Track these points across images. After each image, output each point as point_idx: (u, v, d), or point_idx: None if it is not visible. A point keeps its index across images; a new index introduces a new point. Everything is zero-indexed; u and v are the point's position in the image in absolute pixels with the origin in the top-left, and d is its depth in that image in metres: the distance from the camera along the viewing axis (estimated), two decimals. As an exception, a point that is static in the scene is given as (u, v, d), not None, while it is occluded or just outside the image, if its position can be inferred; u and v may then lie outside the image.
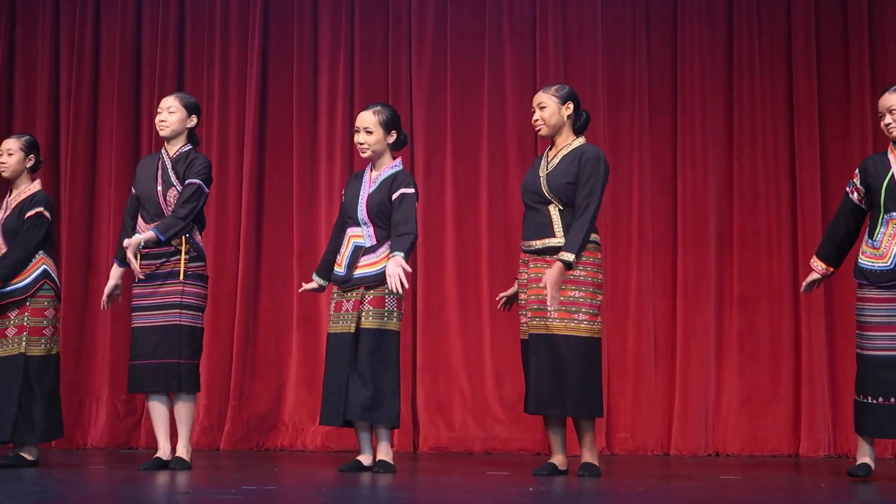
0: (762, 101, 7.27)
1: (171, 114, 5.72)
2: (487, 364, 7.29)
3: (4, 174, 6.01)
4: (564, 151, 5.33)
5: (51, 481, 5.05)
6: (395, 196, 5.50)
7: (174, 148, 5.74)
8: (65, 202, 7.67)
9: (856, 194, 5.26)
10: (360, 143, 5.60)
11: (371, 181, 5.60)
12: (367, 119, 5.58)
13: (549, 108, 5.34)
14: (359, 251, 5.52)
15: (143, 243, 5.54)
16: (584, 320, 5.18)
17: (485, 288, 7.36)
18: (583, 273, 5.18)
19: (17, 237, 5.85)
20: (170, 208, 5.60)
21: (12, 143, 6.01)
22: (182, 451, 5.56)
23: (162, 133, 5.76)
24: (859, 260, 5.21)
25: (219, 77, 7.76)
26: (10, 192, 6.04)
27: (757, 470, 5.90)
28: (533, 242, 5.30)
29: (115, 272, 5.81)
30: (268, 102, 7.75)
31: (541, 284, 5.15)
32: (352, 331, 5.44)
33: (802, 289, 5.52)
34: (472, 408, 7.29)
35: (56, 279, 5.96)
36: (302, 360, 7.47)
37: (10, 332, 5.83)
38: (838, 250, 5.38)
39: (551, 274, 5.10)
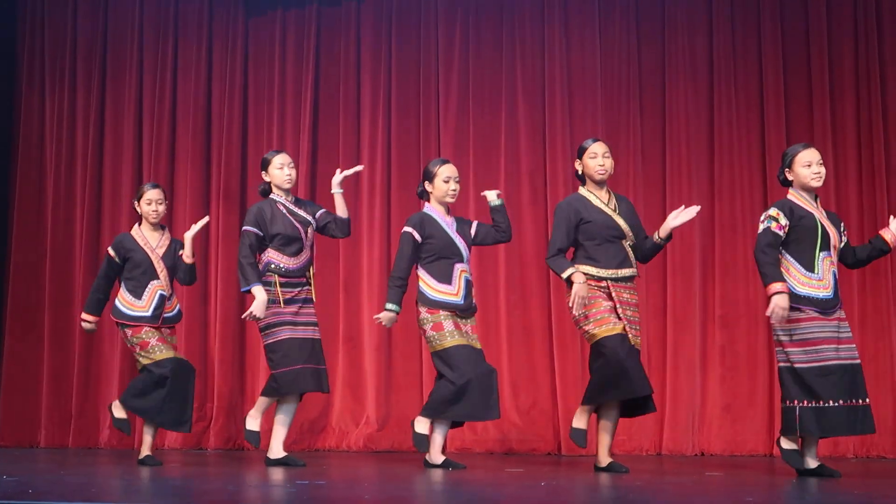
0: (739, 150, 7.27)
1: (292, 169, 5.97)
2: (505, 377, 7.28)
3: (155, 221, 6.10)
4: (612, 195, 5.60)
5: (134, 477, 5.08)
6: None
7: (289, 197, 6.00)
8: (146, 238, 7.74)
9: (781, 231, 5.19)
10: (454, 192, 5.81)
11: (450, 224, 5.83)
12: (455, 171, 5.87)
13: (611, 159, 5.58)
14: (470, 285, 5.76)
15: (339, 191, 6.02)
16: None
17: (502, 311, 7.37)
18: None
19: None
20: (308, 243, 5.99)
21: (160, 194, 6.11)
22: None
23: (288, 186, 5.97)
24: (798, 288, 5.14)
25: (277, 131, 7.83)
26: (139, 227, 6.14)
27: (737, 468, 5.88)
28: (618, 271, 5.47)
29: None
30: (318, 151, 7.80)
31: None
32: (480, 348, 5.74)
33: (778, 316, 5.16)
34: (492, 414, 7.29)
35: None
36: (347, 373, 7.49)
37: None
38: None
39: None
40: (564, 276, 5.38)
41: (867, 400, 5.10)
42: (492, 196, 5.90)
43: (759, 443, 6.97)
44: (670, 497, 4.23)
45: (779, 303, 5.05)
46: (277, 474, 5.19)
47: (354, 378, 7.48)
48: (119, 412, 6.06)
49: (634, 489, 4.52)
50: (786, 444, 5.16)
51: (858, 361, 5.15)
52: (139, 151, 7.95)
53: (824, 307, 5.12)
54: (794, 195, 5.26)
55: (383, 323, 5.74)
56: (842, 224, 5.36)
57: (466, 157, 7.55)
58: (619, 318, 5.34)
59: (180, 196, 7.81)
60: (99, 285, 6.14)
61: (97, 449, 7.49)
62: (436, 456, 5.59)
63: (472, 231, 5.83)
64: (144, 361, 5.92)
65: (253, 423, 5.90)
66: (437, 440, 5.63)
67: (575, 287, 5.31)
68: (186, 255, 6.03)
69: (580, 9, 7.56)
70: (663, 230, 5.46)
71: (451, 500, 4.12)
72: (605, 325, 5.34)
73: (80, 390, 7.70)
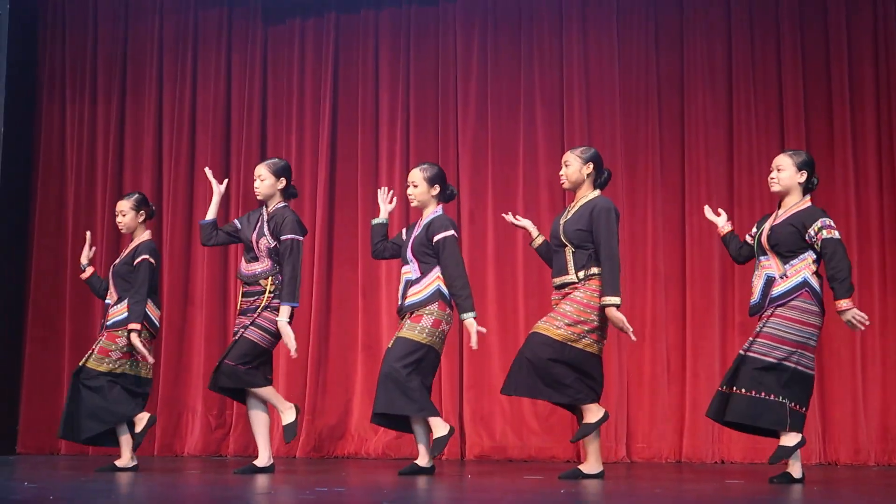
0: (758, 157, 7.24)
1: (262, 181, 5.78)
2: (524, 384, 7.27)
3: (123, 231, 6.08)
4: (581, 202, 5.37)
5: (155, 484, 5.09)
6: (436, 238, 5.58)
7: (271, 205, 5.80)
8: (166, 246, 7.78)
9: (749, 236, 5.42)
10: (409, 195, 5.73)
11: (418, 226, 5.71)
12: (414, 175, 5.73)
13: (572, 166, 5.40)
14: (408, 285, 5.61)
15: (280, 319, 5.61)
16: (560, 328, 5.23)
17: (521, 317, 7.36)
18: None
19: (130, 284, 5.86)
20: (260, 254, 5.66)
21: (124, 205, 6.02)
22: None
23: (258, 197, 5.82)
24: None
25: (296, 139, 7.86)
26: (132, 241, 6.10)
27: (757, 475, 5.84)
28: (554, 279, 5.38)
29: None
30: (336, 160, 7.82)
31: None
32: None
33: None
34: (511, 421, 7.28)
35: (153, 320, 5.93)
36: (365, 380, 7.49)
37: (95, 348, 5.90)
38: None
39: (612, 318, 5.18)
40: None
41: (733, 388, 5.11)
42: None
43: (779, 451, 6.91)
44: (690, 504, 4.21)
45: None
46: (295, 481, 5.19)
47: (373, 385, 7.42)
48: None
49: (654, 497, 4.50)
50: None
51: (757, 356, 5.08)
52: (159, 160, 8.00)
53: (752, 314, 5.27)
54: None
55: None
56: (805, 225, 5.17)
57: (485, 165, 7.55)
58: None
59: (199, 204, 7.83)
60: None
61: (117, 456, 7.51)
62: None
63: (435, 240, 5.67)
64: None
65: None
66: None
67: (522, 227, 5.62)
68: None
69: (598, 17, 7.55)
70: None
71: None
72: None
73: (100, 398, 7.71)
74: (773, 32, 7.33)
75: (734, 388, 5.11)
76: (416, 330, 5.53)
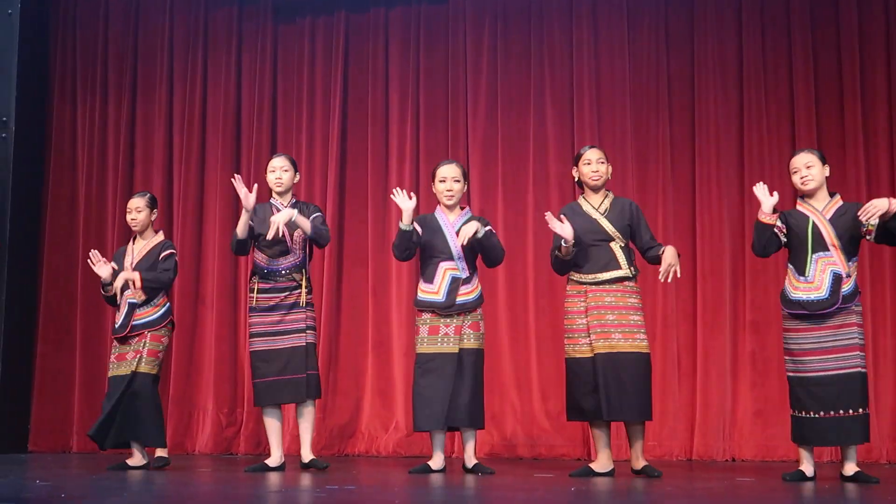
0: (770, 154, 7.23)
1: (284, 172, 5.83)
2: (534, 382, 7.28)
3: (136, 228, 6.08)
4: (609, 199, 5.58)
5: (166, 482, 5.10)
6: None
7: (286, 200, 5.83)
8: (177, 244, 7.78)
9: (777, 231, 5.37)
10: (448, 191, 5.69)
11: (451, 223, 5.69)
12: (454, 171, 5.73)
13: (606, 163, 5.61)
14: (457, 282, 5.62)
15: (293, 218, 5.59)
16: (643, 339, 5.43)
17: (531, 315, 7.36)
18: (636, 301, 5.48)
19: (157, 272, 5.92)
20: (294, 245, 5.76)
21: (140, 202, 6.04)
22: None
23: (277, 189, 5.83)
24: (792, 293, 5.23)
25: (306, 138, 7.86)
26: (134, 241, 6.12)
27: (768, 473, 5.83)
28: (599, 274, 5.45)
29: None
30: (346, 159, 7.82)
31: (670, 262, 5.40)
32: (456, 351, 5.56)
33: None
34: (521, 419, 7.27)
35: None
36: (376, 378, 7.50)
37: (129, 355, 5.90)
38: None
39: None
40: (560, 252, 5.48)
41: (858, 410, 5.10)
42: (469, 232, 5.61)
43: (790, 449, 6.85)
44: (701, 503, 4.19)
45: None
46: (306, 479, 5.19)
47: (384, 384, 7.49)
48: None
49: (665, 494, 4.49)
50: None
51: (853, 371, 5.11)
52: (170, 159, 8.01)
53: (816, 309, 5.15)
54: (800, 202, 5.41)
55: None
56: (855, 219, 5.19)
57: (495, 163, 7.54)
58: (588, 338, 5.39)
59: (210, 203, 7.85)
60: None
61: (129, 454, 7.52)
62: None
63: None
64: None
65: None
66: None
67: (561, 233, 5.40)
68: (131, 286, 5.93)
69: (608, 15, 7.54)
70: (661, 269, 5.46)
71: (480, 505, 4.11)
72: (571, 346, 5.49)
73: (111, 396, 7.73)
74: (784, 31, 7.31)
75: (857, 410, 5.12)
76: (481, 340, 5.67)
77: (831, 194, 5.36)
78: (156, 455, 5.94)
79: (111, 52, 8.20)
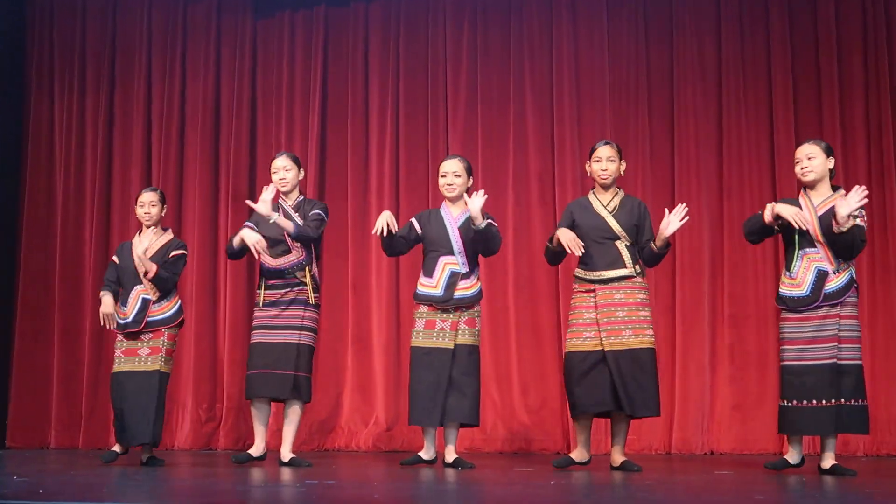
0: (748, 149, 7.26)
1: (287, 172, 5.82)
2: (514, 376, 7.29)
3: (147, 223, 6.01)
4: (619, 197, 5.53)
5: (145, 477, 5.08)
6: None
7: (291, 199, 5.82)
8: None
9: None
10: (449, 185, 5.68)
11: (455, 218, 5.67)
12: (455, 165, 5.70)
13: (616, 161, 5.53)
14: (456, 276, 5.60)
15: (273, 219, 5.58)
16: (651, 335, 5.42)
17: (511, 310, 7.37)
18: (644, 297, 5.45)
19: (166, 271, 5.88)
20: (294, 244, 5.71)
21: (153, 196, 6.01)
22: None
23: (282, 189, 5.80)
24: (781, 288, 5.25)
25: (285, 132, 7.84)
26: (140, 233, 6.05)
27: (746, 467, 5.86)
28: (604, 272, 5.42)
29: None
30: (326, 153, 7.81)
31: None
32: (451, 347, 5.54)
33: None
34: (501, 413, 7.28)
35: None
36: (356, 373, 7.49)
37: (143, 351, 5.87)
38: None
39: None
40: (552, 244, 5.46)
41: (858, 401, 5.10)
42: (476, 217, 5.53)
43: (768, 442, 6.95)
44: (680, 496, 4.21)
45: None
46: (287, 474, 5.19)
47: (363, 379, 7.48)
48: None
49: (644, 488, 4.50)
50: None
51: (849, 362, 5.12)
52: (148, 153, 7.97)
53: (796, 306, 5.16)
54: (802, 194, 5.31)
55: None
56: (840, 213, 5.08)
57: (475, 157, 7.54)
58: (597, 333, 5.36)
59: (189, 198, 7.82)
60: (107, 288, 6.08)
61: (107, 450, 7.49)
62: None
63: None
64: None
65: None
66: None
67: (561, 237, 5.35)
68: (140, 272, 5.88)
69: (588, 9, 7.55)
70: (659, 239, 5.42)
71: (460, 500, 4.11)
72: (573, 339, 5.44)
73: (89, 392, 7.70)
74: (762, 24, 7.34)
75: (842, 400, 5.09)
76: (476, 336, 5.63)
77: (835, 188, 5.27)
78: (145, 456, 5.90)
79: (89, 46, 8.15)
